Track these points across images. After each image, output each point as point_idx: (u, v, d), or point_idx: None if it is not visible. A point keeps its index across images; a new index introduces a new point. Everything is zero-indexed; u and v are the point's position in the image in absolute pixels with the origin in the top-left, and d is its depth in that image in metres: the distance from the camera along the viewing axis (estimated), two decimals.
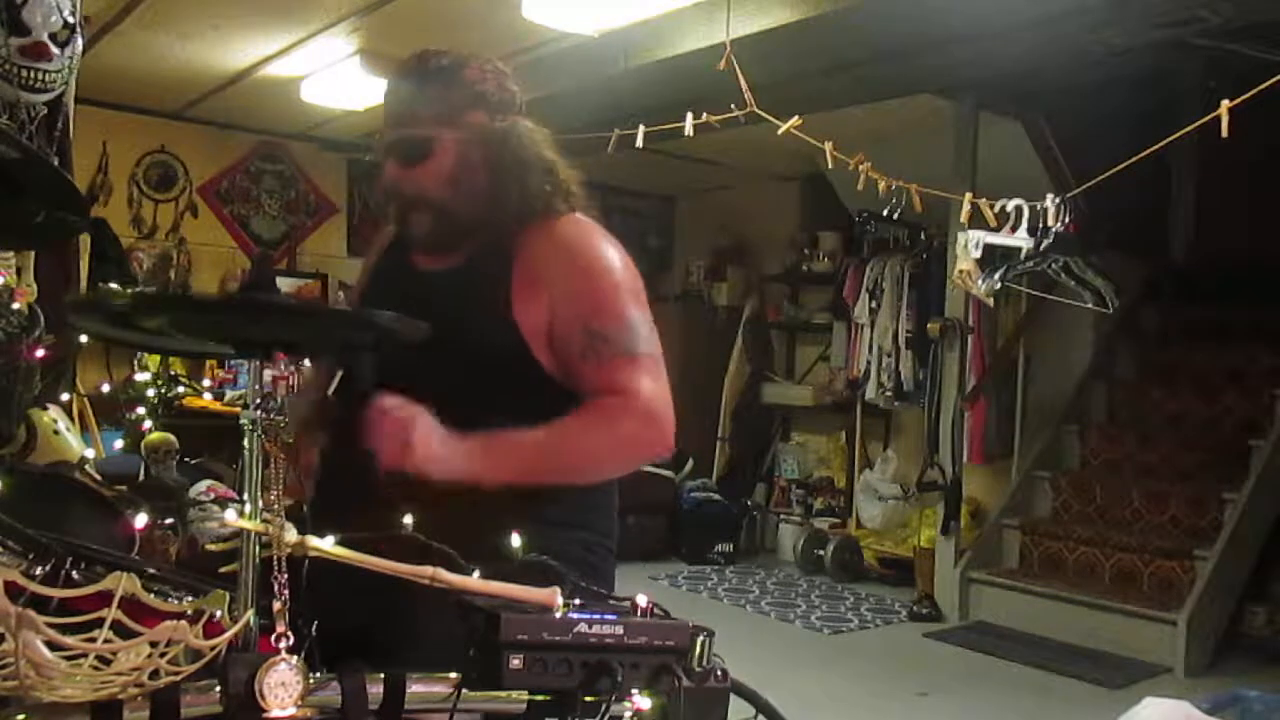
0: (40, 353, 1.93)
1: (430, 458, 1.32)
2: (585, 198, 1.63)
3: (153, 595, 0.99)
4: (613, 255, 1.56)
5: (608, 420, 1.46)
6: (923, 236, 5.68)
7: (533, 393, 1.49)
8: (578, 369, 1.49)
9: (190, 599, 1.08)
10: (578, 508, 1.54)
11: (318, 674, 1.03)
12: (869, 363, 5.77)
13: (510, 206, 1.54)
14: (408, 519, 1.22)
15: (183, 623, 0.92)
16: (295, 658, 0.99)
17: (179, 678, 0.95)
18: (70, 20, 2.04)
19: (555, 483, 1.45)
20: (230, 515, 1.08)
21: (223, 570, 1.24)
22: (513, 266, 1.52)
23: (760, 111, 3.46)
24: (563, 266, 1.52)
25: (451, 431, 1.36)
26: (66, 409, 2.27)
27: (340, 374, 1.52)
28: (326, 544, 1.07)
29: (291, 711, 0.98)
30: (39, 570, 1.07)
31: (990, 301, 4.28)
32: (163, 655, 0.92)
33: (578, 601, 1.12)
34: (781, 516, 6.61)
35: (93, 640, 0.89)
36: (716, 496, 6.45)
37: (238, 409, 1.11)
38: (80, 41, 2.10)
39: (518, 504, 1.39)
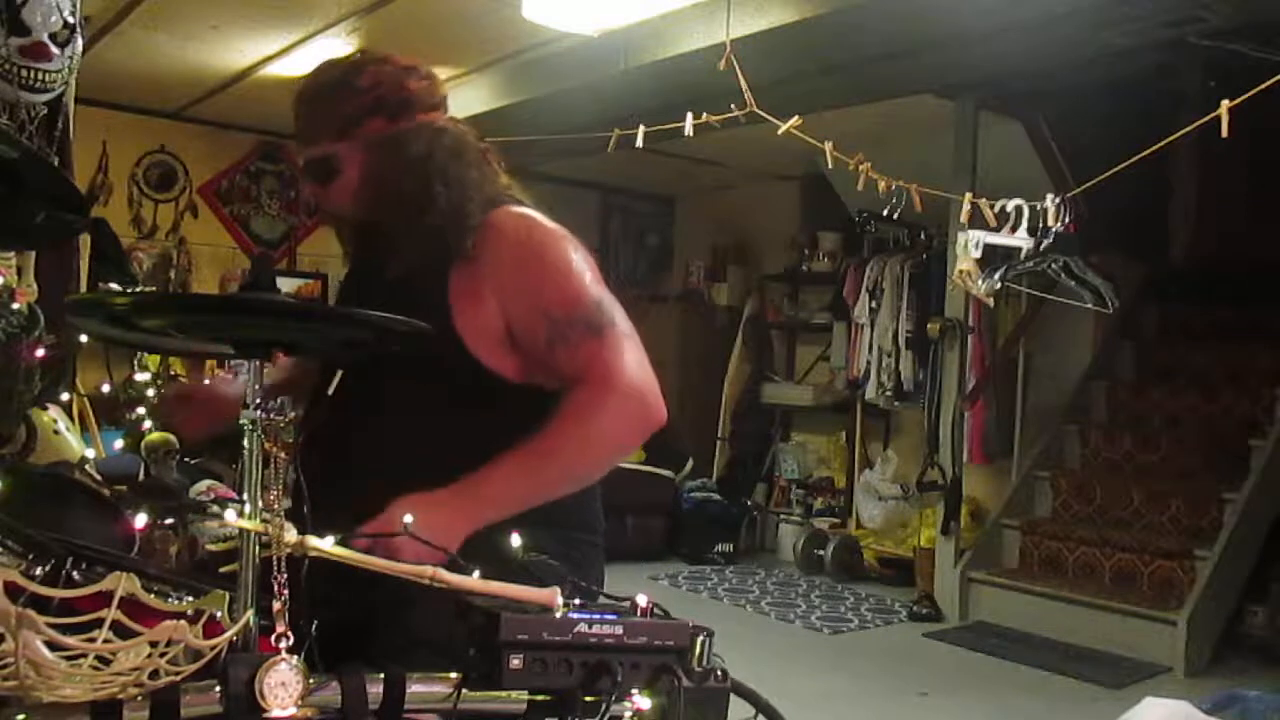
0: (40, 353, 1.92)
1: (432, 541, 1.18)
2: (517, 188, 1.57)
3: (153, 595, 0.99)
4: (557, 240, 1.50)
5: (591, 411, 1.40)
6: (923, 236, 5.69)
7: (483, 400, 1.45)
8: (550, 359, 1.44)
9: (190, 599, 1.08)
10: (558, 505, 1.49)
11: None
12: (869, 363, 5.77)
13: (433, 210, 1.47)
14: (407, 519, 1.22)
15: (183, 623, 0.92)
16: (295, 658, 0.99)
17: (179, 678, 0.95)
18: (70, 20, 2.04)
19: (567, 490, 1.42)
20: (230, 515, 1.08)
21: (223, 570, 1.24)
22: (450, 273, 1.46)
23: (760, 111, 3.46)
24: (508, 263, 1.46)
25: (434, 496, 1.28)
26: (66, 409, 2.27)
27: (340, 375, 1.52)
28: (326, 544, 1.07)
29: (292, 711, 0.98)
30: (39, 570, 1.07)
31: (990, 301, 4.28)
32: (163, 655, 0.92)
33: (578, 601, 1.12)
34: (781, 516, 6.61)
35: (93, 640, 0.89)
36: (716, 496, 6.45)
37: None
38: (80, 41, 2.10)
39: None
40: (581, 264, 1.49)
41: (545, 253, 1.48)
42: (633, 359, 1.43)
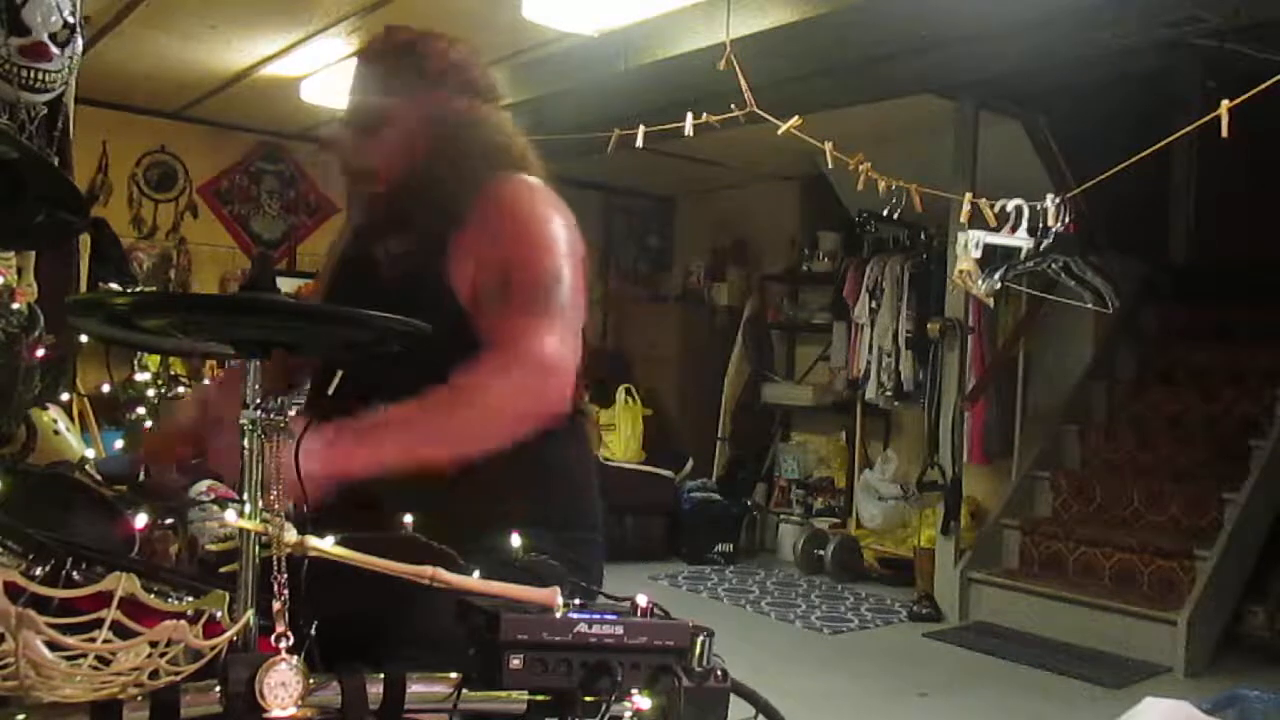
0: (40, 353, 1.93)
1: (301, 470, 1.17)
2: (541, 171, 1.60)
3: (153, 595, 0.98)
4: (543, 211, 1.50)
5: (490, 376, 1.37)
6: (923, 236, 5.69)
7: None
8: (484, 318, 1.43)
9: (190, 599, 1.08)
10: (557, 505, 1.51)
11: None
12: (869, 363, 5.77)
13: (460, 188, 1.51)
14: (407, 518, 1.22)
15: (182, 623, 0.92)
16: (295, 658, 0.99)
17: (179, 678, 0.95)
18: (70, 20, 2.04)
19: (451, 453, 1.33)
20: (230, 515, 1.08)
21: (223, 570, 1.24)
22: (454, 239, 1.48)
23: (760, 111, 3.46)
24: (490, 222, 1.48)
25: (322, 430, 1.26)
26: (66, 409, 2.26)
27: (340, 374, 1.52)
28: (326, 544, 1.07)
29: (291, 711, 0.98)
30: (39, 570, 1.07)
31: (990, 301, 4.28)
32: (163, 655, 0.92)
33: (578, 601, 1.12)
34: (781, 516, 6.61)
35: (93, 640, 0.89)
36: (716, 496, 6.44)
37: None
38: (80, 41, 2.10)
39: (493, 507, 1.38)
40: (558, 244, 1.48)
41: (524, 219, 1.49)
42: (557, 339, 1.41)
